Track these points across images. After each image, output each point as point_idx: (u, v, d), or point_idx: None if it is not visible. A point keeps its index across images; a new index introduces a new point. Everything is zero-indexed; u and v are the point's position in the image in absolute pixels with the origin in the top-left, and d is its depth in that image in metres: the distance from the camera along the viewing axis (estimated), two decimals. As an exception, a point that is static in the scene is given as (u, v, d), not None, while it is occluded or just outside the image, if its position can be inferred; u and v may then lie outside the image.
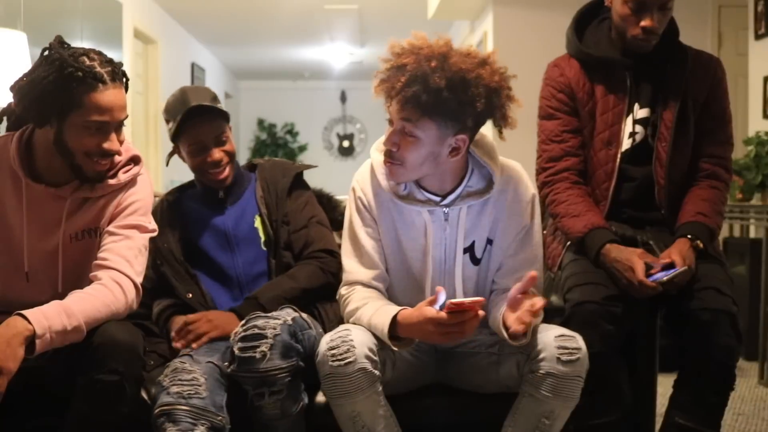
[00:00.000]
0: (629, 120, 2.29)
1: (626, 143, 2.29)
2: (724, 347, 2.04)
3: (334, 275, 2.24)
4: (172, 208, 2.34)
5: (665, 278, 2.04)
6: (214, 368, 2.00)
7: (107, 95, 1.85)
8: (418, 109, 1.84)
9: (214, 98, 2.28)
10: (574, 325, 1.96)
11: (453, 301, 1.78)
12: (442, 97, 1.82)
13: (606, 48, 2.32)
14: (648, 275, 2.07)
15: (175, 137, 2.26)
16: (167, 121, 2.28)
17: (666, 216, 2.29)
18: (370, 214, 2.03)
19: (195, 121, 2.22)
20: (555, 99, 2.34)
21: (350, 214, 2.06)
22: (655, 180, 2.28)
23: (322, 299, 2.24)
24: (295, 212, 2.32)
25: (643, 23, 2.21)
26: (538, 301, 1.81)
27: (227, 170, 2.27)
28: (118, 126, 1.91)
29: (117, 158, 1.96)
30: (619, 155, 2.28)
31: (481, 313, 1.80)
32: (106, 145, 1.89)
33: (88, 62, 1.84)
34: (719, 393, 2.10)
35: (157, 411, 1.87)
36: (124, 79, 1.92)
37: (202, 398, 1.89)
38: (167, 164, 2.38)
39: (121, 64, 1.92)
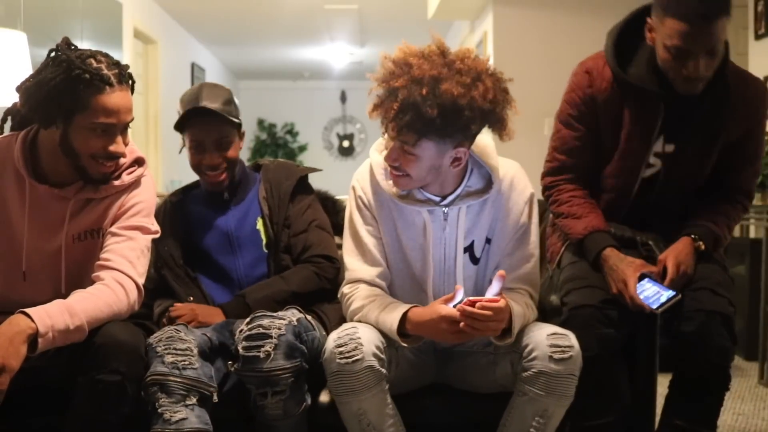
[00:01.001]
0: (653, 150, 2.20)
1: (645, 172, 2.22)
2: (718, 348, 2.02)
3: (329, 281, 2.24)
4: (175, 210, 2.33)
5: (657, 308, 2.00)
6: (206, 340, 2.01)
7: (114, 98, 1.86)
8: (414, 134, 1.85)
9: (227, 101, 2.25)
10: (572, 329, 1.95)
11: (471, 298, 1.79)
12: (436, 124, 1.82)
13: (645, 74, 2.13)
14: (642, 278, 2.06)
15: (179, 129, 2.26)
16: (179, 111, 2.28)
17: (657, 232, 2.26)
18: (370, 213, 2.04)
19: (197, 121, 2.21)
20: (577, 109, 2.23)
21: (351, 213, 2.07)
22: (653, 212, 2.25)
23: (322, 301, 2.24)
24: (297, 216, 2.30)
25: (686, 72, 2.02)
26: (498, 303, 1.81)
27: (223, 175, 2.26)
28: (123, 128, 1.92)
29: (121, 160, 1.96)
30: (637, 184, 2.22)
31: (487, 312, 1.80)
32: (111, 148, 1.89)
33: (95, 64, 1.85)
34: (714, 393, 2.09)
35: (150, 379, 1.85)
36: (131, 82, 1.92)
37: (195, 369, 1.89)
38: (180, 152, 2.36)
39: (127, 67, 1.92)
